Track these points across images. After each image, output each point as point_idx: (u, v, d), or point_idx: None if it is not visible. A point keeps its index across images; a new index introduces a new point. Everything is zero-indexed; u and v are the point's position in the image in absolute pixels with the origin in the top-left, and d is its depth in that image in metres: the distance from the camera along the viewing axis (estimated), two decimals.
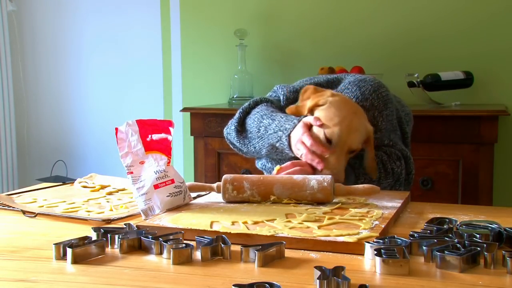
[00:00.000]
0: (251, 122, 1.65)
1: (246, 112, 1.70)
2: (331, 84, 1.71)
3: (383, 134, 1.61)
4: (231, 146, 1.75)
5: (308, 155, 1.45)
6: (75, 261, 0.95)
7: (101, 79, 3.32)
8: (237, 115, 1.70)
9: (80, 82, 3.36)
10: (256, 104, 1.71)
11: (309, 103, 1.53)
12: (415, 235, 1.01)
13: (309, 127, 1.49)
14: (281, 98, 1.71)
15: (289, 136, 1.52)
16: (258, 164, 1.78)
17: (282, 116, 1.57)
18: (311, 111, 1.52)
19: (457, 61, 2.69)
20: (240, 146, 1.69)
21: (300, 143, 1.47)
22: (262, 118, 1.62)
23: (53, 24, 3.37)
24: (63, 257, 0.97)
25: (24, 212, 1.29)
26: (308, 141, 1.45)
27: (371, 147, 1.51)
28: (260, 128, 1.61)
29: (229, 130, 1.72)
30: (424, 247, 0.94)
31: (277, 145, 1.56)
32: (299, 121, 1.51)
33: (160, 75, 3.19)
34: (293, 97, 1.69)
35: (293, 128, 1.51)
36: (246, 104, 1.71)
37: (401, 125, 1.71)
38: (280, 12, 2.96)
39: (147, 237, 1.01)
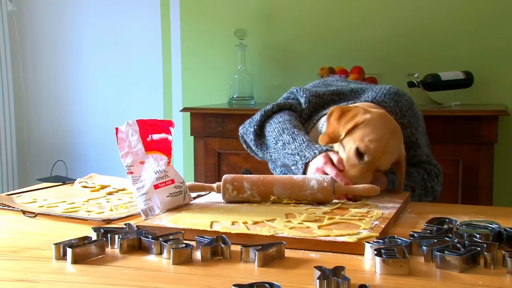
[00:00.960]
0: (271, 130, 1.57)
1: (268, 116, 1.63)
2: (354, 94, 1.64)
3: (422, 151, 1.59)
4: (244, 146, 1.68)
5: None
6: (75, 261, 0.95)
7: (101, 79, 3.32)
8: (258, 117, 1.63)
9: (80, 82, 3.36)
10: (279, 109, 1.63)
11: (348, 126, 1.39)
12: (415, 235, 1.01)
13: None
14: (302, 101, 1.64)
15: (306, 164, 1.43)
16: (270, 166, 1.76)
17: (304, 140, 1.48)
18: (349, 132, 1.39)
19: (457, 61, 2.69)
20: (257, 150, 1.62)
21: (320, 172, 1.38)
22: (283, 132, 1.54)
23: (53, 24, 3.37)
24: (63, 257, 0.97)
25: (24, 212, 1.29)
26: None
27: (401, 171, 1.42)
28: (278, 142, 1.54)
29: (247, 130, 1.64)
30: (424, 247, 0.94)
31: (292, 168, 1.48)
32: (320, 152, 1.41)
33: (160, 75, 3.19)
34: (315, 101, 1.63)
35: (313, 158, 1.42)
36: (269, 107, 1.63)
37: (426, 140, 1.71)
38: (280, 12, 2.96)
39: (147, 237, 1.01)
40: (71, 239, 0.99)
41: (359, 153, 1.36)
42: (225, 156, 2.63)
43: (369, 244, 0.96)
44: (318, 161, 1.40)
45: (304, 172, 1.43)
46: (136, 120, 1.26)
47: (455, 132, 2.35)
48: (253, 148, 1.64)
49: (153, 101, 3.22)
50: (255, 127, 1.62)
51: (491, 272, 0.89)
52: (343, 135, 1.39)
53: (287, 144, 1.50)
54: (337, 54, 2.86)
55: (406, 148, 1.48)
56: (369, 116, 1.39)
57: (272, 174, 1.73)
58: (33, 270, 0.92)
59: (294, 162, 1.46)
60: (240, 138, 1.68)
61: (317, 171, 1.38)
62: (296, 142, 1.48)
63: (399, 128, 1.44)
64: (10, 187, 3.29)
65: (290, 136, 1.51)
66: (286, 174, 1.63)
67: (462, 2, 2.70)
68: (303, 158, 1.44)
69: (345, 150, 1.38)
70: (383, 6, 2.81)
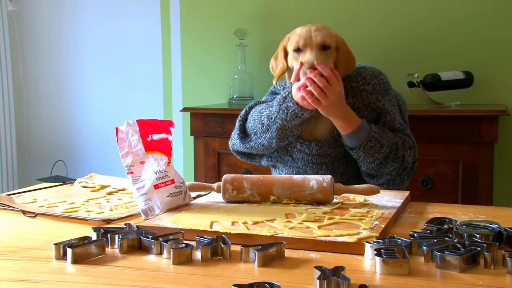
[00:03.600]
0: (252, 122, 1.70)
1: (244, 119, 1.75)
2: None
3: (393, 118, 1.64)
4: (238, 157, 1.80)
5: (312, 85, 1.54)
6: (75, 261, 0.95)
7: (101, 79, 3.32)
8: (236, 124, 1.76)
9: (80, 82, 3.36)
10: (250, 108, 1.76)
11: (280, 53, 1.73)
12: (415, 235, 1.01)
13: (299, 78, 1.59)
14: (282, 88, 1.78)
15: (292, 99, 1.59)
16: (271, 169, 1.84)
17: (277, 97, 1.66)
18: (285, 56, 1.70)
19: (457, 61, 2.69)
20: (248, 150, 1.72)
21: (303, 87, 1.55)
22: (261, 113, 1.68)
23: (53, 24, 3.37)
24: (63, 257, 0.97)
25: (24, 212, 1.29)
26: (302, 78, 1.56)
27: (342, 54, 1.65)
28: (263, 122, 1.66)
29: (234, 141, 1.76)
30: (424, 247, 0.94)
31: (288, 117, 1.60)
32: (289, 86, 1.63)
33: (160, 75, 3.19)
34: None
35: (290, 91, 1.60)
36: (242, 112, 1.77)
37: (401, 113, 1.72)
38: (280, 12, 2.96)
39: (147, 237, 1.01)
40: (71, 239, 0.99)
41: (295, 50, 1.63)
42: (225, 156, 2.63)
43: (369, 244, 0.96)
44: (293, 89, 1.59)
45: (298, 105, 1.59)
46: (136, 120, 1.26)
47: (455, 132, 2.35)
48: (245, 151, 1.74)
49: (153, 101, 3.22)
50: (238, 132, 1.74)
51: (491, 272, 0.89)
52: (282, 63, 1.70)
53: (270, 114, 1.65)
54: None
55: (375, 115, 1.63)
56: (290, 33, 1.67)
57: (267, 171, 1.77)
58: (33, 270, 0.92)
59: (285, 109, 1.61)
60: (233, 152, 1.80)
61: (301, 90, 1.56)
62: (274, 103, 1.65)
63: (324, 27, 1.67)
64: (10, 187, 3.29)
65: (267, 109, 1.67)
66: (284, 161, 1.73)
67: (462, 2, 2.70)
68: (286, 100, 1.61)
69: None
70: (383, 6, 2.81)
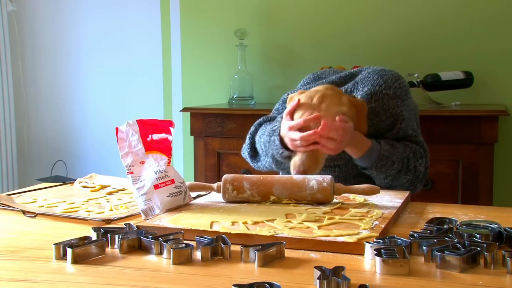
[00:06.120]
0: (257, 144, 1.70)
1: (254, 135, 1.73)
2: (344, 79, 1.70)
3: (407, 124, 1.62)
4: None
5: (302, 136, 1.46)
6: (75, 261, 0.95)
7: (101, 79, 3.32)
8: (246, 140, 1.75)
9: (80, 82, 3.36)
10: (260, 125, 1.74)
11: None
12: (415, 235, 1.01)
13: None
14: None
15: (279, 135, 1.55)
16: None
17: (272, 124, 1.62)
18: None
19: (457, 61, 2.69)
20: (257, 169, 1.75)
21: (288, 130, 1.50)
22: (260, 138, 1.67)
23: (53, 24, 3.37)
24: (63, 257, 0.97)
25: (24, 212, 1.29)
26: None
27: (353, 118, 1.50)
28: (263, 147, 1.65)
29: (244, 155, 1.77)
30: (424, 247, 0.94)
31: (275, 151, 1.58)
32: (282, 119, 1.56)
33: (160, 75, 3.19)
34: None
35: (280, 125, 1.55)
36: (252, 128, 1.75)
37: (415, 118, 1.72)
38: (280, 12, 2.96)
39: (147, 237, 1.01)
40: (71, 239, 0.99)
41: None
42: (225, 156, 2.63)
43: (369, 244, 0.96)
44: (283, 125, 1.53)
45: (282, 144, 1.55)
46: (136, 120, 1.26)
47: (455, 132, 2.35)
48: (255, 168, 1.77)
49: (153, 101, 3.22)
50: (248, 150, 1.74)
51: (491, 272, 0.89)
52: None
53: (266, 141, 1.63)
54: (337, 54, 2.86)
55: (392, 120, 1.60)
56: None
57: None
58: (33, 270, 0.92)
59: (273, 142, 1.58)
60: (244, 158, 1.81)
61: (287, 133, 1.50)
62: (267, 130, 1.64)
63: (325, 96, 1.50)
64: (10, 187, 3.29)
65: (267, 135, 1.64)
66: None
67: (462, 2, 2.70)
68: (274, 133, 1.58)
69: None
70: (383, 6, 2.81)
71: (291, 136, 1.48)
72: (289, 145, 1.51)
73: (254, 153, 1.73)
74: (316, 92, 1.52)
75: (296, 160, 1.48)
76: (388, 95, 1.59)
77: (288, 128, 1.50)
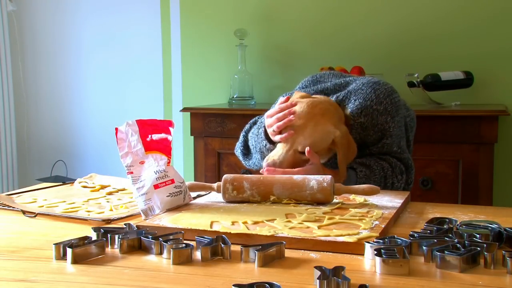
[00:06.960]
0: (250, 141, 1.73)
1: (247, 133, 1.76)
2: (338, 88, 1.70)
3: (393, 141, 1.62)
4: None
5: (278, 124, 1.50)
6: (75, 261, 0.95)
7: (101, 79, 3.32)
8: (240, 138, 1.78)
9: (80, 82, 3.36)
10: (254, 123, 1.77)
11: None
12: (415, 235, 1.01)
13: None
14: None
15: (264, 127, 1.59)
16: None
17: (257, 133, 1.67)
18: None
19: (457, 61, 2.69)
20: (249, 167, 1.78)
21: (268, 119, 1.54)
22: (252, 134, 1.70)
23: (53, 24, 3.37)
24: (63, 257, 0.97)
25: (24, 212, 1.29)
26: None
27: (339, 150, 1.50)
28: (253, 142, 1.68)
29: (237, 153, 1.79)
30: (424, 247, 0.94)
31: (262, 145, 1.62)
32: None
33: (160, 75, 3.19)
34: None
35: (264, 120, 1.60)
36: (246, 126, 1.78)
37: (406, 132, 1.71)
38: (280, 12, 2.96)
39: (147, 237, 1.01)
40: (71, 239, 0.99)
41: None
42: (225, 156, 2.63)
43: (369, 244, 0.96)
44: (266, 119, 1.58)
45: (266, 136, 1.61)
46: (136, 120, 1.26)
47: (455, 132, 2.35)
48: (247, 166, 1.80)
49: (153, 101, 3.22)
50: (241, 148, 1.77)
51: (491, 272, 0.88)
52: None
53: (253, 134, 1.69)
54: (337, 54, 2.86)
55: (379, 135, 1.60)
56: (300, 99, 1.55)
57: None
58: (33, 270, 0.92)
59: (259, 135, 1.63)
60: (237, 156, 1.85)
61: (268, 125, 1.55)
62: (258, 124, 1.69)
63: (327, 111, 1.52)
64: (10, 187, 3.29)
65: (257, 129, 1.68)
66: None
67: (462, 2, 2.70)
68: (260, 128, 1.63)
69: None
70: (383, 6, 2.81)
71: (267, 122, 1.56)
72: (269, 134, 1.57)
73: (246, 151, 1.75)
74: (320, 102, 1.54)
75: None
76: (378, 110, 1.58)
77: (266, 116, 1.57)
